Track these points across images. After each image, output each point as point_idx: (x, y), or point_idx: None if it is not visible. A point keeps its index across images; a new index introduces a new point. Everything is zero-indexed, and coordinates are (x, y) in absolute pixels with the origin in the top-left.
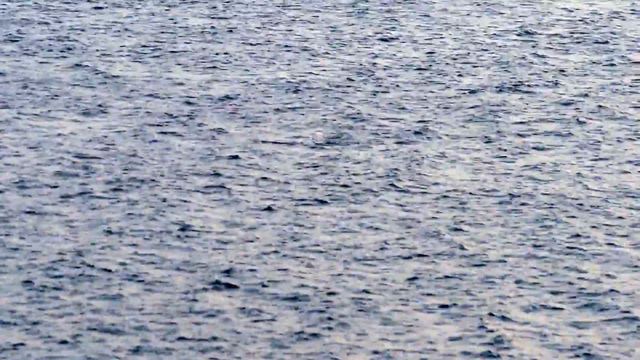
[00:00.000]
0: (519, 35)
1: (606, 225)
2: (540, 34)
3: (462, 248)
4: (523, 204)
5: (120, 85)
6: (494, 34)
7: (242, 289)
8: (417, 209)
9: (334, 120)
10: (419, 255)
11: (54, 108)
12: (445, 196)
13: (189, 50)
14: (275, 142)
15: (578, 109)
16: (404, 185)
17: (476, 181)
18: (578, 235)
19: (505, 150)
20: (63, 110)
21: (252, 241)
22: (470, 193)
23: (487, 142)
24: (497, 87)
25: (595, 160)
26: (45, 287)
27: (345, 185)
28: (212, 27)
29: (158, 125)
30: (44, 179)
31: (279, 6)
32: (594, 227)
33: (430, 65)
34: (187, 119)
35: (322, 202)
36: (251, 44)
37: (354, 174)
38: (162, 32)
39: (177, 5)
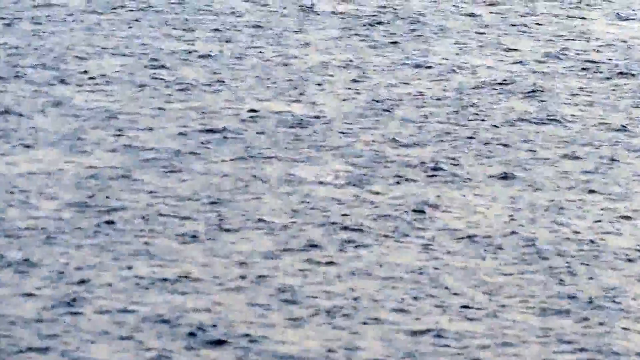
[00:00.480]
0: (554, 61)
1: None
2: (577, 60)
3: (481, 306)
4: (545, 249)
5: (108, 118)
6: (529, 60)
7: (232, 347)
8: (437, 257)
9: (352, 157)
10: (439, 307)
11: (34, 143)
12: (469, 236)
13: (188, 78)
14: (285, 181)
15: (614, 144)
16: (423, 227)
17: (505, 224)
18: (612, 289)
19: (532, 189)
20: (47, 146)
21: (251, 292)
22: (494, 236)
23: (511, 179)
24: (527, 118)
25: (630, 202)
26: (2, 351)
27: (360, 230)
28: (212, 52)
29: (148, 161)
30: (17, 223)
31: (286, 30)
32: (629, 279)
33: (458, 97)
34: (183, 155)
35: (338, 249)
36: (259, 72)
37: (370, 217)
38: (159, 57)
39: (178, 29)
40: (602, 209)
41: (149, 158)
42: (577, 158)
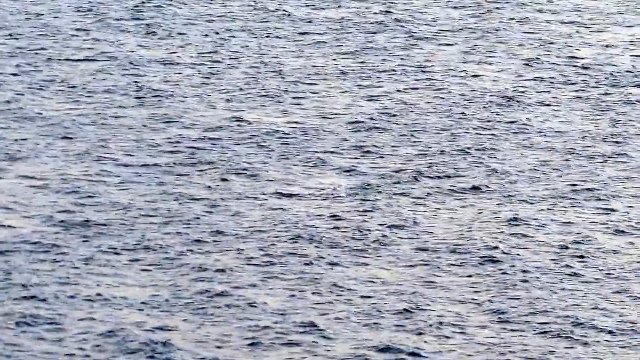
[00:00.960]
0: (547, 70)
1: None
2: (571, 67)
3: (457, 323)
4: (530, 266)
5: (85, 128)
6: (520, 70)
7: None
8: (417, 272)
9: (339, 170)
10: (414, 323)
11: (6, 157)
12: (452, 251)
13: (169, 86)
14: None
15: (604, 156)
16: (404, 242)
17: (490, 239)
18: (602, 307)
19: (519, 202)
20: (18, 159)
21: (215, 310)
22: (478, 250)
23: (499, 192)
24: (516, 128)
25: (620, 216)
26: None
27: (338, 245)
28: (197, 60)
29: (125, 175)
30: None
31: (277, 37)
32: (621, 296)
33: (451, 106)
34: (160, 168)
35: (314, 264)
36: (247, 80)
37: (350, 231)
38: (140, 64)
39: (162, 36)
40: (592, 223)
41: (126, 172)
42: (566, 170)
